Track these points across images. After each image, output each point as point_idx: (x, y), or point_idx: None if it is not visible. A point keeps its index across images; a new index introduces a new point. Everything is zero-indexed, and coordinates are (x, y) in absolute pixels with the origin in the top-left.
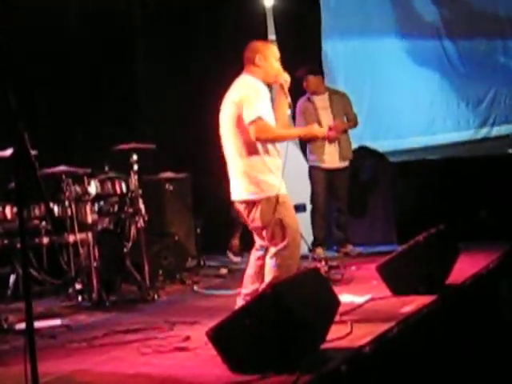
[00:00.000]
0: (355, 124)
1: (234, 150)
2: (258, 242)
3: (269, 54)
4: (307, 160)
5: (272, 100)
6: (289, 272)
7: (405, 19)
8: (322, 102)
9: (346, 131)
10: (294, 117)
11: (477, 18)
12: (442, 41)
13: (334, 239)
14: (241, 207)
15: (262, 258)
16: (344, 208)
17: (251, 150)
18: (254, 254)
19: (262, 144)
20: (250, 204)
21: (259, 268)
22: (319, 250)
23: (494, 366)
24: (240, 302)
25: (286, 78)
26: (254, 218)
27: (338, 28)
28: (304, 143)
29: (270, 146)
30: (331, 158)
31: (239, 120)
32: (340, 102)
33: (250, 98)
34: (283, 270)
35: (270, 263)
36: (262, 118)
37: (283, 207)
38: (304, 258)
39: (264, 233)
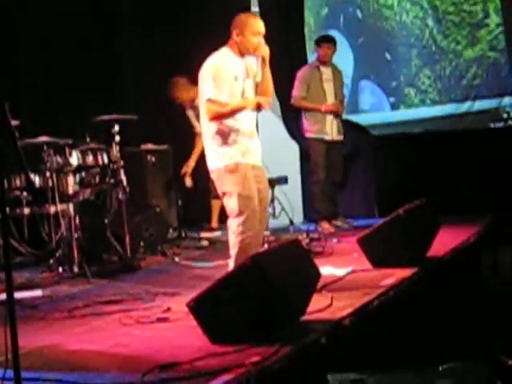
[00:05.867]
0: (343, 105)
1: (203, 121)
2: None
3: (246, 29)
4: (303, 131)
5: None
6: (252, 243)
7: None
8: (327, 73)
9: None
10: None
11: None
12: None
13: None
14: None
15: None
16: (339, 181)
17: (213, 122)
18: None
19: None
20: (213, 173)
21: None
22: (325, 225)
23: (474, 337)
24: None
25: (264, 52)
26: (216, 187)
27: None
28: (295, 114)
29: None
30: (331, 130)
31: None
32: (339, 78)
33: (207, 77)
34: (245, 242)
35: (231, 237)
36: (212, 99)
37: (241, 177)
38: (284, 230)
39: (225, 202)
